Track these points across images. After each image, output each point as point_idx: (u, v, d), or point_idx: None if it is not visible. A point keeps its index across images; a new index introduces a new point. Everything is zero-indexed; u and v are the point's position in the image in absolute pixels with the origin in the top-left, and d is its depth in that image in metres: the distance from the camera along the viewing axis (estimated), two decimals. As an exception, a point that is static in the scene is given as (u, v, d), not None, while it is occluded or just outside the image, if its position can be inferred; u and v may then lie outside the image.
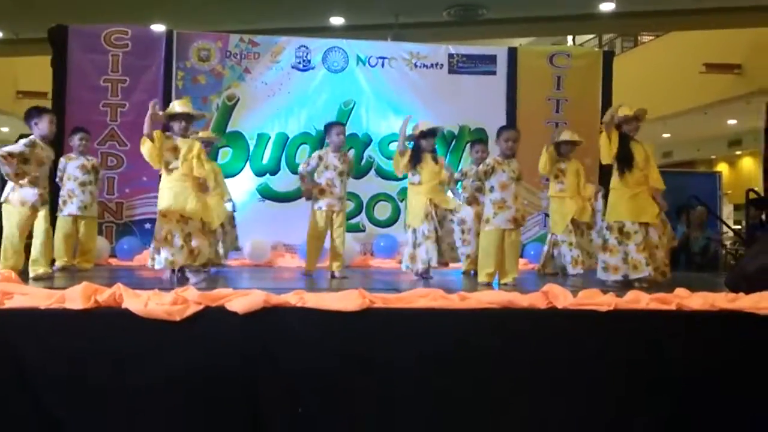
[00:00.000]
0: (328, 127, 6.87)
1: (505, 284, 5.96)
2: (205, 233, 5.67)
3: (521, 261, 7.28)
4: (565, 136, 7.34)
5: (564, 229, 7.10)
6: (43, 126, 6.00)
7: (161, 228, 5.44)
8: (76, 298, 3.71)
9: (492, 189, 6.15)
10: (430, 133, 6.54)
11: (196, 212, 5.52)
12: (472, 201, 7.41)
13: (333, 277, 6.52)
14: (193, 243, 5.44)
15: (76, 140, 7.17)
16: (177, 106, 5.71)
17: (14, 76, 15.31)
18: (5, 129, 16.85)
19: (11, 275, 4.53)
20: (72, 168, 7.00)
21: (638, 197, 5.78)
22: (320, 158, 6.69)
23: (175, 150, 5.51)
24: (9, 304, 3.75)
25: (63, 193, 6.98)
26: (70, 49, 8.61)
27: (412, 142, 6.52)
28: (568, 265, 6.99)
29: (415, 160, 6.41)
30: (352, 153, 8.66)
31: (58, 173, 7.02)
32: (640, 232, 5.67)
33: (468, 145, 9.14)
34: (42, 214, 5.89)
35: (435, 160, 6.52)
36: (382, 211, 8.99)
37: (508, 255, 6.12)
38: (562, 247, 7.12)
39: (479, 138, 8.47)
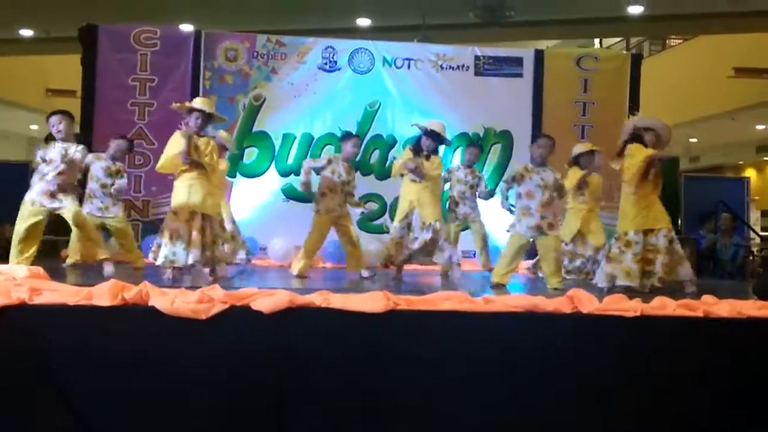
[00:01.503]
0: (346, 136, 6.91)
1: (555, 289, 5.88)
2: (219, 231, 5.71)
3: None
4: (579, 148, 7.34)
5: (571, 239, 7.14)
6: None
7: (169, 225, 5.49)
8: (103, 295, 3.75)
9: (520, 196, 6.21)
10: (435, 136, 6.55)
11: (210, 209, 5.57)
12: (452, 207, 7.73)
13: (362, 277, 6.54)
14: (204, 241, 5.48)
15: (112, 146, 7.26)
16: (198, 102, 5.76)
17: (44, 74, 15.52)
18: (35, 127, 17.07)
19: (40, 272, 4.58)
20: (96, 168, 7.07)
21: (652, 206, 5.75)
22: (329, 161, 6.72)
23: (196, 149, 5.56)
24: (38, 300, 3.79)
25: (86, 191, 7.06)
26: (100, 48, 8.71)
27: (415, 137, 6.70)
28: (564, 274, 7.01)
29: (415, 155, 6.48)
30: (377, 155, 8.71)
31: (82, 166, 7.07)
32: (640, 242, 5.65)
33: (492, 147, 9.15)
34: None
35: (427, 158, 6.53)
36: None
37: (546, 262, 6.16)
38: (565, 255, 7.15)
39: (506, 160, 8.55)
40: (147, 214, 8.65)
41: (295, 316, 3.81)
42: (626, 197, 5.80)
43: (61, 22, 11.32)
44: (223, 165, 7.53)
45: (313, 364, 3.80)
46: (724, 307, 4.12)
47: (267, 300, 3.80)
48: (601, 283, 5.72)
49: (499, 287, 6.00)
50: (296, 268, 6.58)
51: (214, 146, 5.65)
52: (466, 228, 8.12)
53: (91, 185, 7.06)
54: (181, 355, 3.73)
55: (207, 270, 5.68)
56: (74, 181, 6.24)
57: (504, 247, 6.40)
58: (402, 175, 6.53)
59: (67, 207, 5.94)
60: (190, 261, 5.42)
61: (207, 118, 5.71)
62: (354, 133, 7.10)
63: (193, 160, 5.48)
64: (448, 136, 8.90)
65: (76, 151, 6.01)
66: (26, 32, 12.61)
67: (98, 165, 7.10)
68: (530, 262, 7.77)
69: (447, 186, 8.06)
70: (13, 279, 4.25)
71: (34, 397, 3.62)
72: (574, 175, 7.15)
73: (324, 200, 6.62)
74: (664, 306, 4.11)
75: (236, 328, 3.78)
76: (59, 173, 5.92)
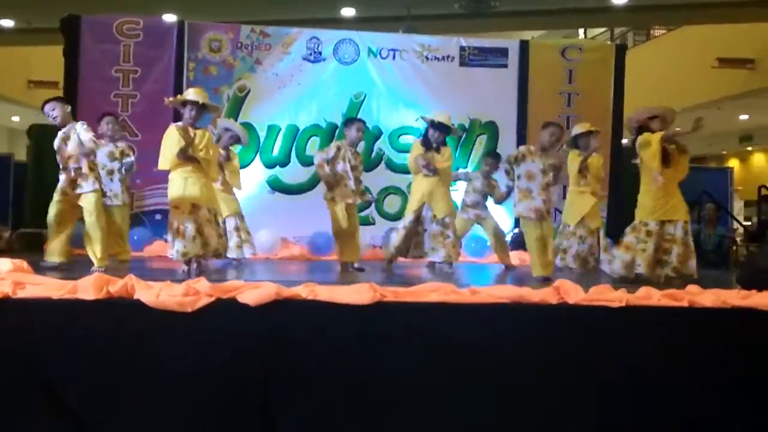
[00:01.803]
0: (350, 121, 6.81)
1: (546, 278, 5.90)
2: (216, 223, 5.69)
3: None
4: (577, 129, 7.26)
5: (578, 222, 7.04)
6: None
7: (173, 219, 5.46)
8: (88, 288, 3.73)
9: (519, 177, 6.21)
10: (442, 127, 6.54)
11: (207, 201, 5.54)
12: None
13: (353, 269, 6.50)
14: (205, 233, 5.47)
15: (104, 126, 6.97)
16: (192, 93, 5.73)
17: (26, 65, 15.36)
18: (16, 118, 16.93)
19: (23, 265, 4.54)
20: (101, 155, 6.81)
21: (671, 197, 5.78)
22: (338, 149, 6.58)
23: (192, 144, 5.53)
24: (21, 293, 3.76)
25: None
26: (83, 39, 8.62)
27: (422, 131, 6.68)
28: (570, 258, 6.97)
29: (426, 149, 6.51)
30: (362, 146, 8.67)
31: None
32: (658, 233, 5.69)
33: (477, 138, 9.15)
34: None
35: (438, 150, 6.58)
36: (393, 204, 8.97)
37: (543, 250, 6.16)
38: (571, 239, 7.07)
39: (492, 149, 8.45)
40: (131, 207, 8.57)
41: (281, 308, 3.80)
42: (646, 188, 5.81)
43: (42, 13, 11.19)
44: (235, 159, 7.44)
45: (300, 356, 3.80)
46: (708, 297, 4.15)
47: (253, 292, 3.79)
48: (615, 272, 5.79)
49: (547, 280, 5.74)
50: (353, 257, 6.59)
51: (209, 139, 5.62)
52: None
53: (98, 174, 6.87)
54: (168, 348, 3.72)
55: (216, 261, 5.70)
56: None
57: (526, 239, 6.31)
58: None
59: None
60: (205, 252, 5.46)
61: (201, 108, 5.68)
62: (358, 118, 6.98)
63: (187, 156, 5.47)
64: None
65: (77, 131, 5.85)
66: (7, 23, 12.46)
67: (101, 152, 6.78)
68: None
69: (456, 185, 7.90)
70: (-4, 273, 4.21)
71: (18, 391, 3.60)
72: (574, 158, 7.11)
73: (339, 188, 6.51)
74: (650, 296, 4.14)
75: (222, 321, 3.77)
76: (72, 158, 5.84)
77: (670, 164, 5.72)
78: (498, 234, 7.58)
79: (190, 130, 5.54)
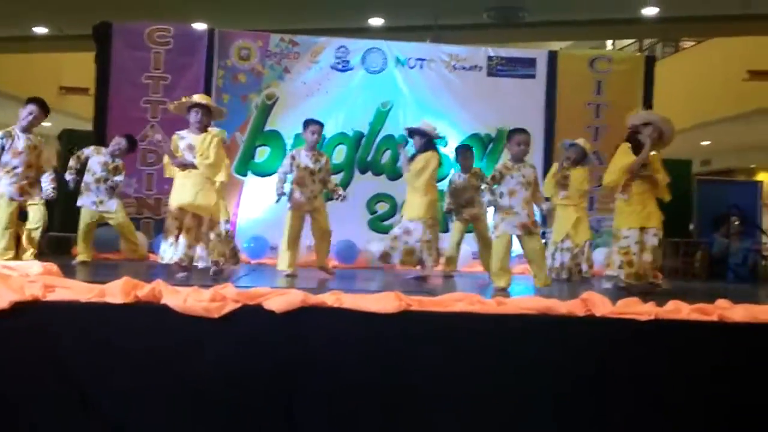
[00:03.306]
0: (305, 124, 6.75)
1: (545, 286, 5.98)
2: (198, 229, 5.68)
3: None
4: (577, 141, 7.47)
5: (564, 237, 7.14)
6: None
7: (168, 223, 5.56)
8: (116, 292, 3.76)
9: (501, 195, 6.08)
10: (415, 132, 6.68)
11: (202, 207, 5.58)
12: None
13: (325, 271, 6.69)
14: (193, 240, 5.52)
15: (113, 142, 7.34)
16: (196, 97, 5.85)
17: (58, 71, 15.56)
18: (48, 124, 17.09)
19: (53, 268, 4.59)
20: (94, 162, 7.11)
21: (646, 205, 5.77)
22: (292, 158, 6.63)
23: (191, 148, 5.59)
24: (51, 296, 3.80)
25: (82, 183, 7.13)
26: (114, 46, 8.74)
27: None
28: (564, 271, 7.19)
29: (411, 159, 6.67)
30: (388, 155, 8.70)
31: (81, 152, 7.20)
32: (634, 239, 5.69)
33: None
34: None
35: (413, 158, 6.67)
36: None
37: (534, 261, 6.12)
38: (564, 254, 7.16)
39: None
40: (159, 212, 8.66)
41: (307, 315, 3.80)
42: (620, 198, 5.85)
43: (75, 20, 11.36)
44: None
45: (325, 364, 3.80)
46: (739, 312, 4.09)
47: (279, 299, 3.80)
48: (604, 284, 5.91)
49: (503, 290, 5.83)
50: (283, 265, 6.58)
51: (214, 142, 5.63)
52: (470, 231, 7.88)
53: (87, 178, 7.11)
54: (193, 353, 3.73)
55: (212, 268, 5.70)
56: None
57: (493, 251, 6.17)
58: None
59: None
60: (176, 259, 5.49)
61: (207, 113, 5.72)
62: (314, 120, 6.80)
63: (180, 162, 5.53)
64: (460, 136, 8.97)
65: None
66: (40, 30, 12.65)
67: (96, 159, 7.15)
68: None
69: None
70: (26, 275, 4.26)
71: (48, 394, 3.63)
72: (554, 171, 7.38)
73: (293, 196, 6.55)
74: (679, 310, 4.08)
75: (248, 327, 3.78)
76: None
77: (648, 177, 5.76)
78: (486, 240, 7.38)
79: (192, 137, 5.61)
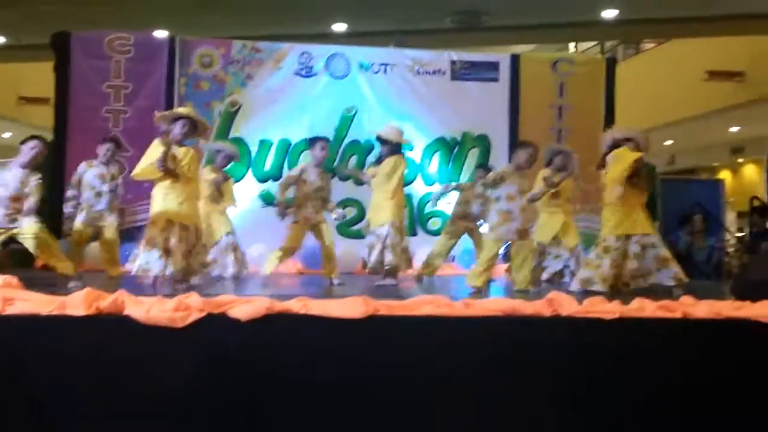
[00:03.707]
0: (313, 141, 6.85)
1: (520, 291, 5.99)
2: (195, 241, 5.62)
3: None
4: (557, 145, 7.49)
5: (551, 241, 7.15)
6: None
7: (146, 233, 5.46)
8: (77, 304, 3.68)
9: (498, 199, 6.15)
10: (383, 140, 6.71)
11: (185, 218, 5.51)
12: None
13: (332, 284, 6.59)
14: (180, 250, 5.42)
15: (102, 149, 7.15)
16: (183, 110, 5.79)
17: (17, 82, 15.31)
18: (7, 135, 16.85)
19: (12, 281, 4.50)
20: (90, 176, 6.98)
21: (633, 213, 5.75)
22: (302, 171, 6.69)
23: (174, 159, 5.51)
24: (10, 310, 3.71)
25: (72, 208, 6.98)
26: (73, 55, 8.64)
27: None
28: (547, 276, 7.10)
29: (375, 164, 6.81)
30: (354, 160, 8.68)
31: (75, 176, 7.01)
32: (620, 248, 5.67)
33: (469, 151, 9.15)
34: None
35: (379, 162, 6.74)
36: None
37: (523, 266, 6.18)
38: (548, 258, 7.17)
39: (484, 163, 8.42)
40: (123, 222, 8.54)
41: (273, 323, 3.76)
42: (610, 204, 5.79)
43: (33, 30, 11.17)
44: (231, 179, 7.64)
45: (292, 372, 3.76)
46: (702, 308, 4.13)
47: (245, 307, 3.75)
48: (574, 287, 5.74)
49: (478, 290, 5.96)
50: (269, 268, 6.66)
51: (192, 156, 5.58)
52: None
53: (86, 195, 6.96)
54: (158, 364, 3.67)
55: (181, 282, 5.60)
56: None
57: (484, 252, 6.32)
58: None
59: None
60: (168, 271, 5.36)
61: (192, 126, 5.65)
62: (321, 136, 6.99)
63: (168, 169, 5.42)
64: (426, 140, 9.00)
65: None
66: (-2, 39, 12.46)
67: (91, 173, 7.01)
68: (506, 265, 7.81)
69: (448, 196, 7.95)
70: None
71: (6, 407, 3.54)
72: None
73: (301, 210, 6.61)
74: (643, 308, 4.11)
75: (214, 336, 3.73)
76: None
77: (633, 181, 5.72)
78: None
79: (173, 146, 5.53)
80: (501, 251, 6.52)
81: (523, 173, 6.28)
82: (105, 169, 7.07)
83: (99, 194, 6.97)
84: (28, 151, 6.05)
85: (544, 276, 7.11)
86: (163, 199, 5.46)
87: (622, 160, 5.68)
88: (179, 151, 5.52)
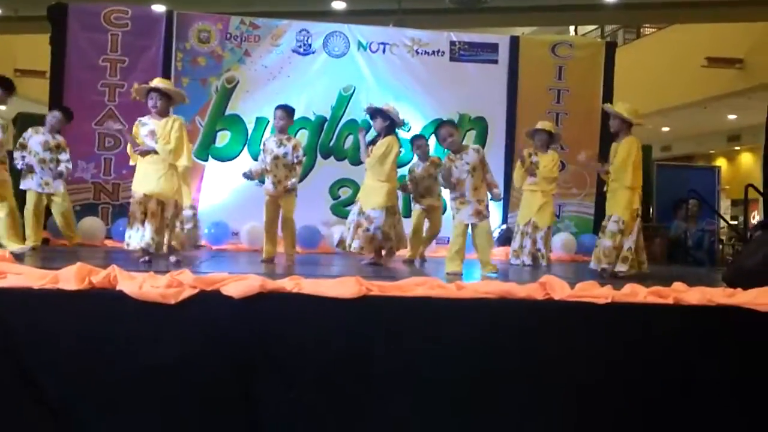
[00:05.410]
0: (276, 108, 6.72)
1: (490, 275, 5.90)
2: (175, 216, 5.72)
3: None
4: (538, 125, 7.52)
5: (527, 222, 7.21)
6: None
7: (133, 209, 5.54)
8: (70, 278, 3.68)
9: (454, 186, 6.12)
10: (377, 113, 6.62)
11: (165, 193, 5.53)
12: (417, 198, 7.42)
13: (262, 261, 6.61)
14: (159, 226, 5.48)
15: (48, 117, 7.24)
16: (156, 81, 5.82)
17: (13, 54, 15.18)
18: (2, 107, 16.75)
19: (5, 254, 4.49)
20: (34, 143, 6.99)
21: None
22: (263, 144, 6.66)
23: (152, 134, 5.53)
24: (2, 283, 3.71)
25: (23, 165, 7.00)
26: (70, 28, 8.56)
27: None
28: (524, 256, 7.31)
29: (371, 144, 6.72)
30: (351, 140, 8.67)
31: (21, 139, 7.06)
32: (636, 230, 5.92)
33: (466, 133, 9.12)
34: None
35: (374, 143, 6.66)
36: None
37: (481, 247, 6.13)
38: (526, 238, 7.33)
39: (481, 144, 8.37)
40: (117, 198, 8.54)
41: (266, 301, 3.76)
42: (623, 186, 5.94)
43: (29, 1, 11.09)
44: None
45: (284, 350, 3.76)
46: (694, 295, 4.14)
47: (238, 285, 3.75)
48: (595, 266, 6.00)
49: (457, 275, 5.85)
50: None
51: (176, 126, 5.57)
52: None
53: (30, 160, 6.96)
54: (150, 339, 3.67)
55: (171, 256, 5.64)
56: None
57: (451, 239, 6.25)
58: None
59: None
60: (143, 244, 5.44)
61: (166, 98, 5.66)
62: (283, 105, 6.75)
63: (143, 150, 5.48)
64: (423, 121, 8.96)
65: None
66: (-6, 11, 12.37)
67: (36, 139, 7.03)
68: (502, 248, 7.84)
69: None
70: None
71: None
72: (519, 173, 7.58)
73: (265, 183, 6.61)
74: (635, 293, 4.12)
75: (206, 313, 3.73)
76: None
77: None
78: (436, 231, 7.49)
79: (153, 122, 5.54)
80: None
81: (465, 151, 6.14)
82: (50, 138, 7.12)
83: (42, 161, 7.03)
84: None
85: (524, 257, 7.25)
86: (141, 175, 5.56)
87: (634, 148, 5.95)
88: (157, 125, 5.54)
